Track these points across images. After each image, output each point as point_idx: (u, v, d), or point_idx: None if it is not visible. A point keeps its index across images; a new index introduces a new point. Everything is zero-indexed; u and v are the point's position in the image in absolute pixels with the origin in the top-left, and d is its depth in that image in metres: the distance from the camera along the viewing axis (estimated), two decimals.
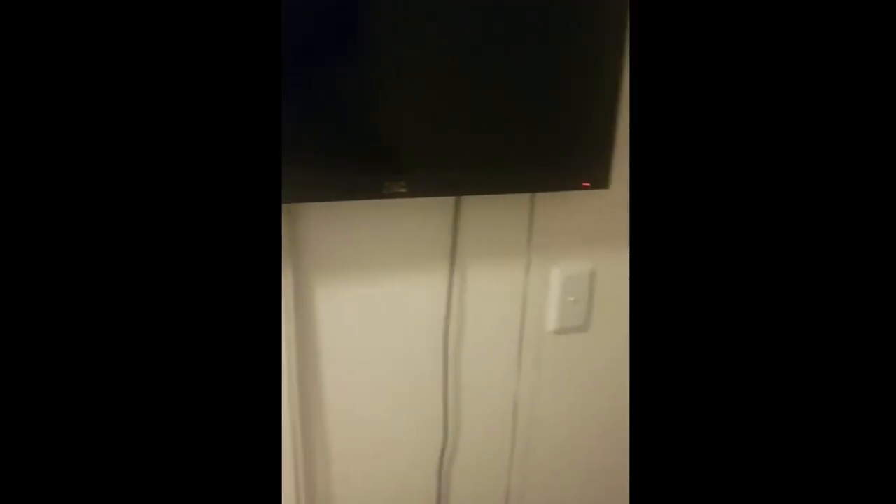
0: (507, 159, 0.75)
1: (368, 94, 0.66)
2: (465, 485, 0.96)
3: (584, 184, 0.80)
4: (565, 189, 0.83)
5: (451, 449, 0.93)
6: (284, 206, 0.73)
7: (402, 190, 0.70)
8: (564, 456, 1.03)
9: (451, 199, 0.80)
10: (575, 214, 0.89)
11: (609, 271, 0.95)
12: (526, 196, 0.85)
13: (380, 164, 0.69)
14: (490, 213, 0.84)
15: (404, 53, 0.65)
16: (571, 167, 0.79)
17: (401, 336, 0.84)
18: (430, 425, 0.90)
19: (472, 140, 0.72)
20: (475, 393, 0.92)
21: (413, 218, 0.80)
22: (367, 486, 0.89)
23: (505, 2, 0.68)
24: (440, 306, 0.85)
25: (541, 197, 0.86)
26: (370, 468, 0.89)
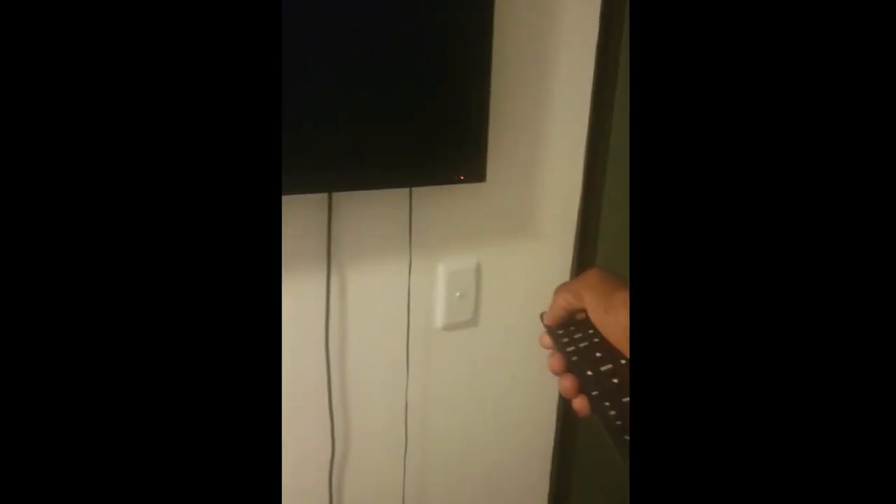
0: (380, 155, 0.73)
1: None
2: (358, 492, 0.93)
3: (460, 177, 0.80)
4: (441, 183, 0.82)
5: (340, 456, 0.90)
6: None
7: None
8: (460, 454, 1.02)
9: (323, 197, 0.77)
10: (455, 209, 0.89)
11: (494, 264, 0.95)
12: (404, 192, 0.83)
13: None
14: (366, 211, 0.82)
15: None
16: (446, 161, 0.78)
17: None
18: (317, 433, 0.86)
19: (341, 137, 0.70)
20: (363, 396, 0.89)
21: (283, 217, 0.76)
22: None
23: (375, 3, 0.67)
24: (319, 309, 0.81)
25: (419, 192, 0.84)
26: None
